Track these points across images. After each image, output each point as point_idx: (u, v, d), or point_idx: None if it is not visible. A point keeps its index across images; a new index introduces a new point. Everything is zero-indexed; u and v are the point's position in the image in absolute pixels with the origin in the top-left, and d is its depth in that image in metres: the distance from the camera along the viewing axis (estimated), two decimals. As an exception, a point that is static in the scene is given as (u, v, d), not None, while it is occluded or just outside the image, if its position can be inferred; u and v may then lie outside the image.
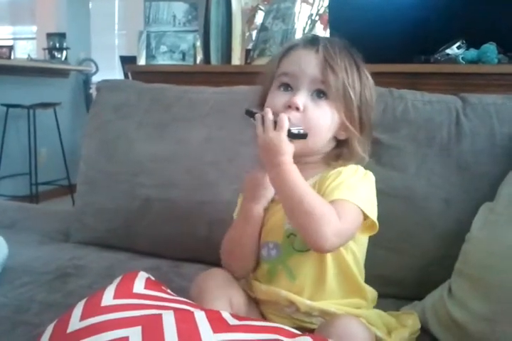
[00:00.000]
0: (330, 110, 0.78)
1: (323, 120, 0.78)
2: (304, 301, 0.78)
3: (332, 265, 0.79)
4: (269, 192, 0.82)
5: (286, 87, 0.80)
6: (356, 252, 0.81)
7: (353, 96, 0.78)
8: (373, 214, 0.78)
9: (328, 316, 0.78)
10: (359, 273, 0.82)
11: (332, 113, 0.78)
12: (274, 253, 0.83)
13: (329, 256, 0.79)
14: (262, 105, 0.83)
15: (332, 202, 0.74)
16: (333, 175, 0.79)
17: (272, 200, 0.84)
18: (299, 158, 0.76)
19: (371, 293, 0.85)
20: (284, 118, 0.73)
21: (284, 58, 0.82)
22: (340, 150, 0.83)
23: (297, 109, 0.77)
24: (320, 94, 0.78)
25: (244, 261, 0.85)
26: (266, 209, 0.85)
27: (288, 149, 0.74)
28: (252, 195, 0.83)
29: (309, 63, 0.78)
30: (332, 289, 0.80)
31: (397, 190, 0.82)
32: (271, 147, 0.73)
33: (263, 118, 0.75)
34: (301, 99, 0.77)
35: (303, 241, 0.77)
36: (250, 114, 0.78)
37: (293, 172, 0.74)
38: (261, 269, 0.86)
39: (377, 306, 0.86)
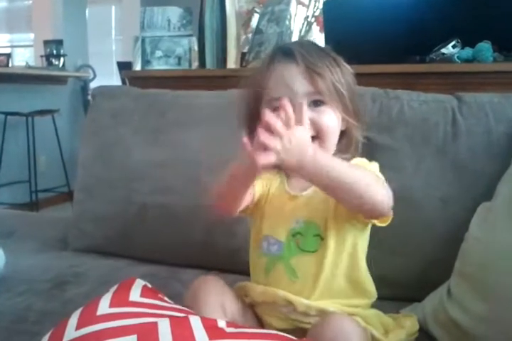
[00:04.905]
0: (332, 112, 0.81)
1: (332, 123, 0.81)
2: (301, 301, 0.78)
3: (338, 265, 0.80)
4: None
5: None
6: (359, 248, 0.82)
7: (343, 91, 0.81)
8: None
9: (325, 315, 0.77)
10: (364, 270, 0.83)
11: (334, 113, 0.81)
12: (275, 249, 0.83)
13: (333, 257, 0.79)
14: (249, 127, 0.82)
15: None
16: None
17: (279, 194, 0.84)
18: None
19: (373, 292, 0.85)
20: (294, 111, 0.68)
21: (268, 80, 0.82)
22: (343, 139, 0.86)
23: None
24: (317, 102, 0.80)
25: (235, 200, 0.81)
26: (267, 200, 0.85)
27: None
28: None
29: (296, 80, 0.79)
30: (335, 289, 0.80)
31: (394, 191, 0.82)
32: (299, 147, 0.67)
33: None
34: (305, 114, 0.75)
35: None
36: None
37: (331, 157, 0.74)
38: (260, 261, 0.85)
39: (376, 308, 0.85)
